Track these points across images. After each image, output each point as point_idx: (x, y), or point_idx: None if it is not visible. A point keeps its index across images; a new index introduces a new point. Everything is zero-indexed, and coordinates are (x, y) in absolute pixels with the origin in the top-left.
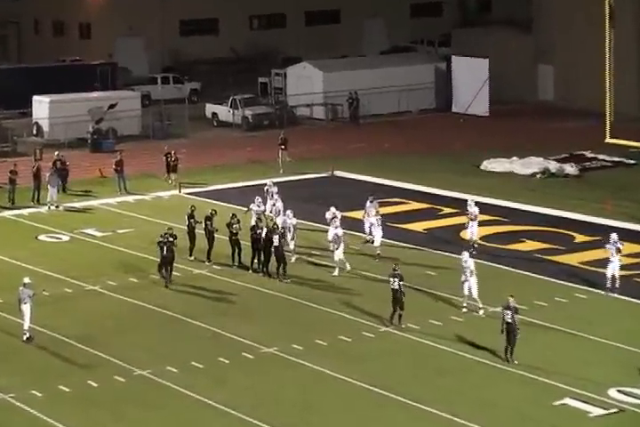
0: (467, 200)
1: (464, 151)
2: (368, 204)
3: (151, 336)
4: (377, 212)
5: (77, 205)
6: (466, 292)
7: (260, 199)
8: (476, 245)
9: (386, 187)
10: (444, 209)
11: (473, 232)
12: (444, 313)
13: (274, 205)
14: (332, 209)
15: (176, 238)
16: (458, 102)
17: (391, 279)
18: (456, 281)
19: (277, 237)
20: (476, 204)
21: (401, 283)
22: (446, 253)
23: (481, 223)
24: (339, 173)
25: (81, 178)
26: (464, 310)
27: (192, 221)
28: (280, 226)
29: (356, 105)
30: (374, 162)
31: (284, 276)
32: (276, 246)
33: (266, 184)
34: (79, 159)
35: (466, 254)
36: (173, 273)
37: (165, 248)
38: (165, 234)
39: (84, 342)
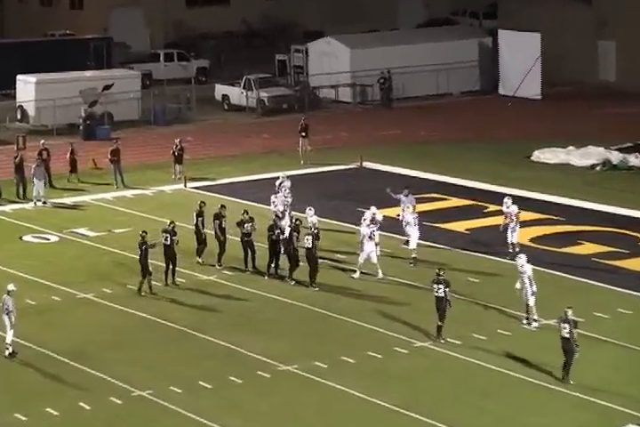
0: (516, 196)
1: (513, 140)
2: (403, 198)
3: (152, 352)
4: (413, 208)
5: (67, 200)
6: (525, 301)
7: (274, 199)
8: (517, 249)
9: (423, 181)
10: (489, 206)
11: (513, 235)
12: (489, 325)
13: (285, 200)
14: (373, 209)
15: (175, 235)
16: (505, 83)
17: (435, 286)
18: (503, 289)
19: (311, 238)
20: (514, 202)
21: (447, 290)
22: (492, 257)
23: (532, 223)
24: (368, 165)
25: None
26: (524, 321)
27: (200, 219)
28: (311, 225)
29: (389, 86)
30: (409, 152)
31: (313, 283)
32: (308, 248)
33: (278, 177)
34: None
35: (523, 258)
36: (178, 279)
37: (140, 251)
38: (144, 232)
39: (76, 358)
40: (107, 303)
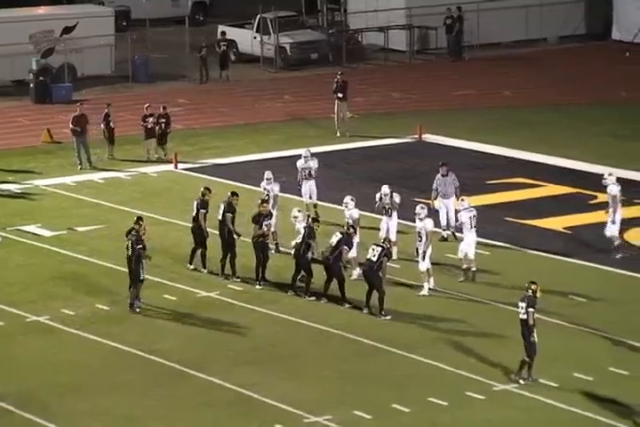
0: (633, 181)
1: (632, 103)
2: (439, 177)
3: (131, 398)
4: (456, 194)
5: (12, 187)
6: None
7: (268, 186)
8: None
9: (505, 159)
10: (598, 195)
11: (612, 229)
12: (598, 361)
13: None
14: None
15: (140, 243)
16: (621, 26)
17: (520, 305)
18: (620, 311)
19: (380, 250)
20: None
21: (530, 310)
22: (603, 267)
23: None
24: (429, 138)
25: (18, 144)
26: None
27: (204, 212)
28: (349, 220)
29: (459, 29)
30: (487, 120)
31: (382, 310)
32: (370, 262)
33: (301, 155)
34: (16, 114)
35: None
36: (166, 296)
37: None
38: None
39: (25, 406)
40: (68, 330)
